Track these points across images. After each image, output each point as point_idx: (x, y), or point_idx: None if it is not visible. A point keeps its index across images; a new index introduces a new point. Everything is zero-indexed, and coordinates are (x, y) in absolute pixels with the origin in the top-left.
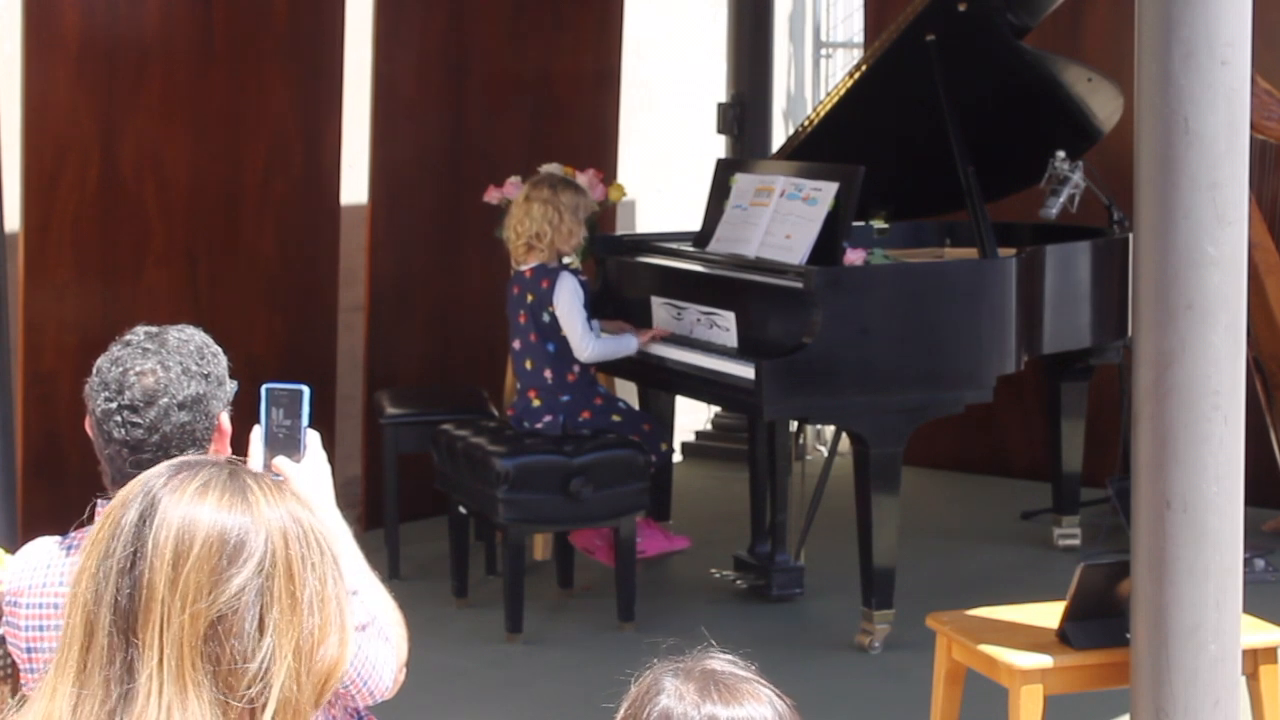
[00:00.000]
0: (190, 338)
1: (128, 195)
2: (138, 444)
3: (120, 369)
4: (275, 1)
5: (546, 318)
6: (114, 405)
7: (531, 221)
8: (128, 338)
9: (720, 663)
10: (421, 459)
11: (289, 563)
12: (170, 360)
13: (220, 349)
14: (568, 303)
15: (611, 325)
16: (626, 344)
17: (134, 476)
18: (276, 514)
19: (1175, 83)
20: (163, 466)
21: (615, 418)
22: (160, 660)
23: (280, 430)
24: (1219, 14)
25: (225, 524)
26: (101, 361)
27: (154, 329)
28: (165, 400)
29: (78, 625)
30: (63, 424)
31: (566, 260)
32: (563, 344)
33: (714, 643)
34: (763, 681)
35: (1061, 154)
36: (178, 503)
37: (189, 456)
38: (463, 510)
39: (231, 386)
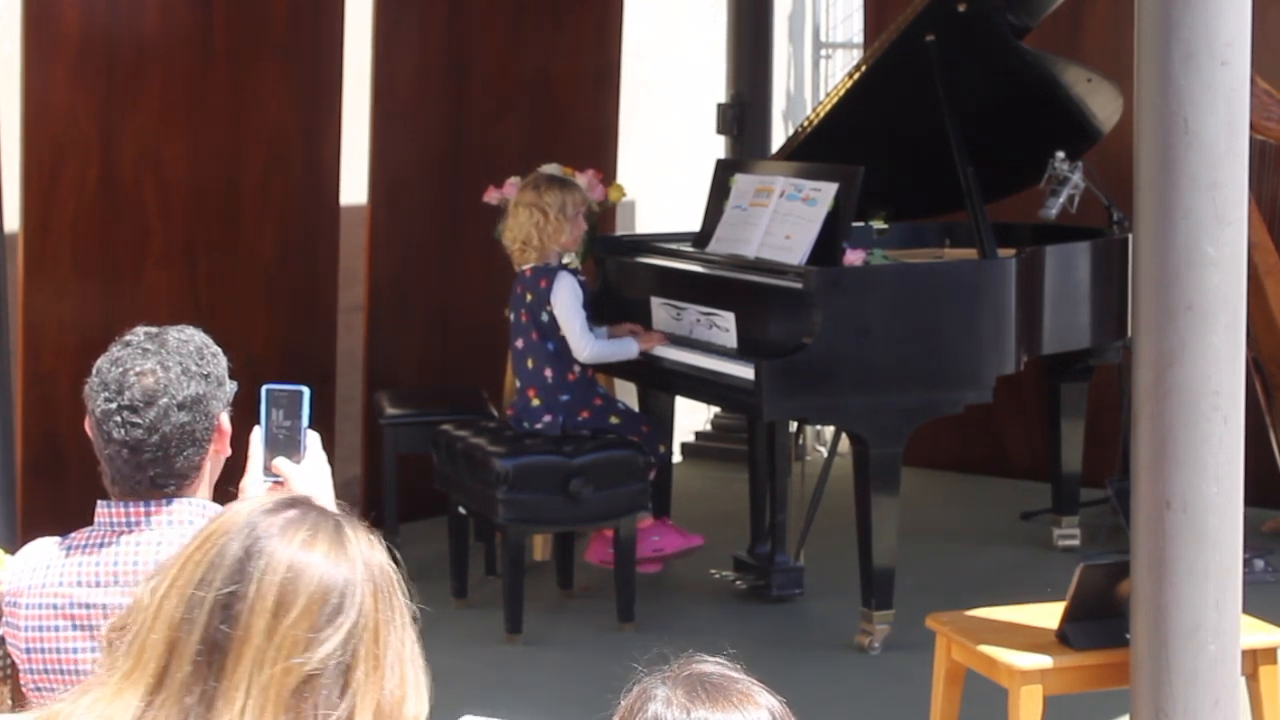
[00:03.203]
0: (190, 338)
1: (127, 195)
2: (137, 444)
3: (120, 369)
4: (275, 1)
5: (545, 317)
6: (114, 405)
7: (519, 226)
8: (127, 338)
9: (709, 665)
10: (421, 459)
11: (376, 626)
12: (170, 360)
13: (220, 349)
14: (565, 302)
15: (620, 330)
16: (627, 348)
17: (133, 477)
18: (367, 572)
19: (1175, 83)
20: (266, 502)
21: (614, 419)
22: (244, 705)
23: (280, 431)
24: (1219, 14)
25: (329, 580)
26: (101, 362)
27: (154, 329)
28: (165, 400)
29: (159, 642)
30: (63, 424)
31: (566, 260)
32: (563, 343)
33: (742, 648)
34: (753, 681)
35: (1061, 154)
36: (285, 548)
37: (288, 494)
38: (462, 510)
39: (231, 387)
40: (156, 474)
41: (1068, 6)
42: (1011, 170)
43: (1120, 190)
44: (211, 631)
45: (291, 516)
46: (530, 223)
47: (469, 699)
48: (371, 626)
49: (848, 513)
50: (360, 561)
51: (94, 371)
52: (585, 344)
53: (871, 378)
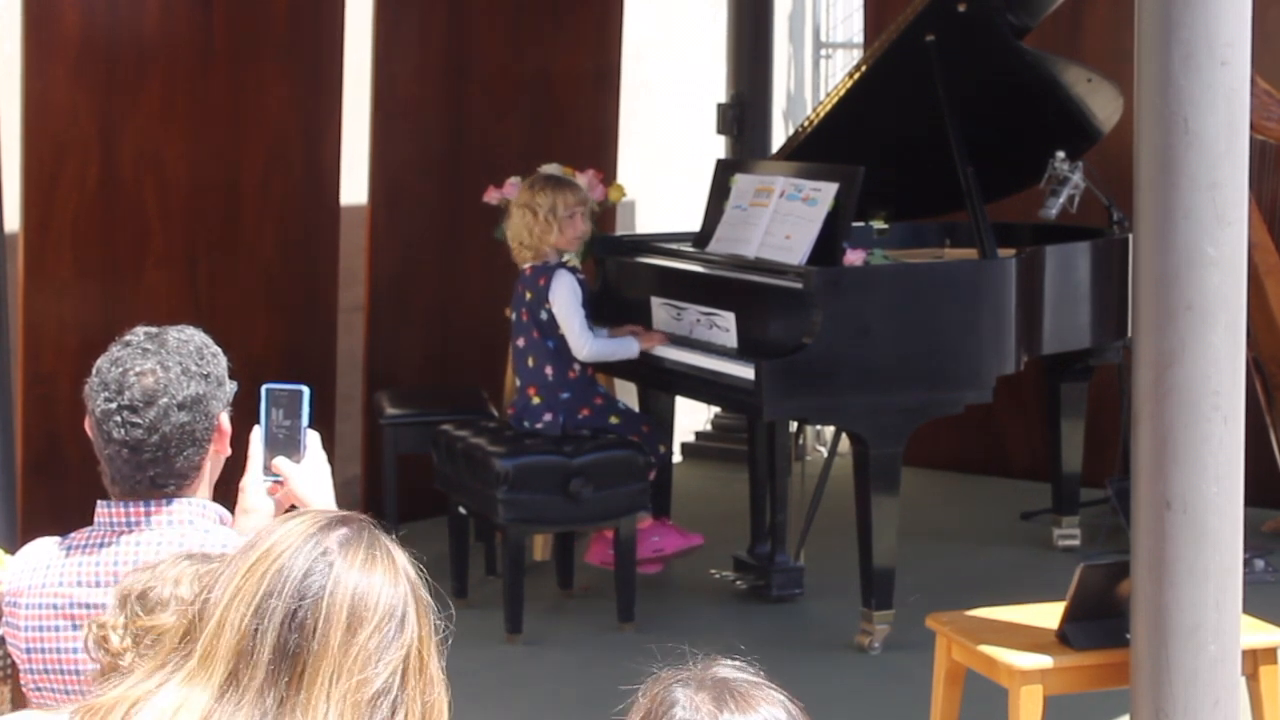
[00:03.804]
0: (190, 338)
1: (128, 195)
2: (137, 444)
3: (120, 369)
4: (275, 1)
5: (544, 315)
6: (114, 405)
7: (515, 226)
8: (127, 338)
9: (730, 670)
10: (421, 459)
11: (422, 639)
12: (170, 360)
13: (220, 349)
14: (563, 300)
15: (621, 331)
16: (628, 346)
17: (133, 477)
18: (412, 588)
19: (1175, 83)
20: (318, 518)
21: (613, 419)
22: (326, 713)
23: (280, 431)
24: (1219, 14)
25: (392, 599)
26: (101, 362)
27: (154, 329)
28: (165, 400)
29: (230, 649)
30: (63, 424)
31: (567, 259)
32: (563, 341)
33: (742, 647)
34: (773, 686)
35: (1061, 154)
36: (349, 568)
37: (333, 510)
38: (463, 510)
39: (231, 387)
40: (156, 474)
41: (1068, 6)
42: (1011, 170)
43: (1120, 190)
44: (283, 640)
45: (347, 534)
46: (522, 223)
47: (469, 699)
48: (417, 641)
49: (848, 513)
50: (407, 578)
51: (94, 371)
52: (584, 342)
53: (871, 378)
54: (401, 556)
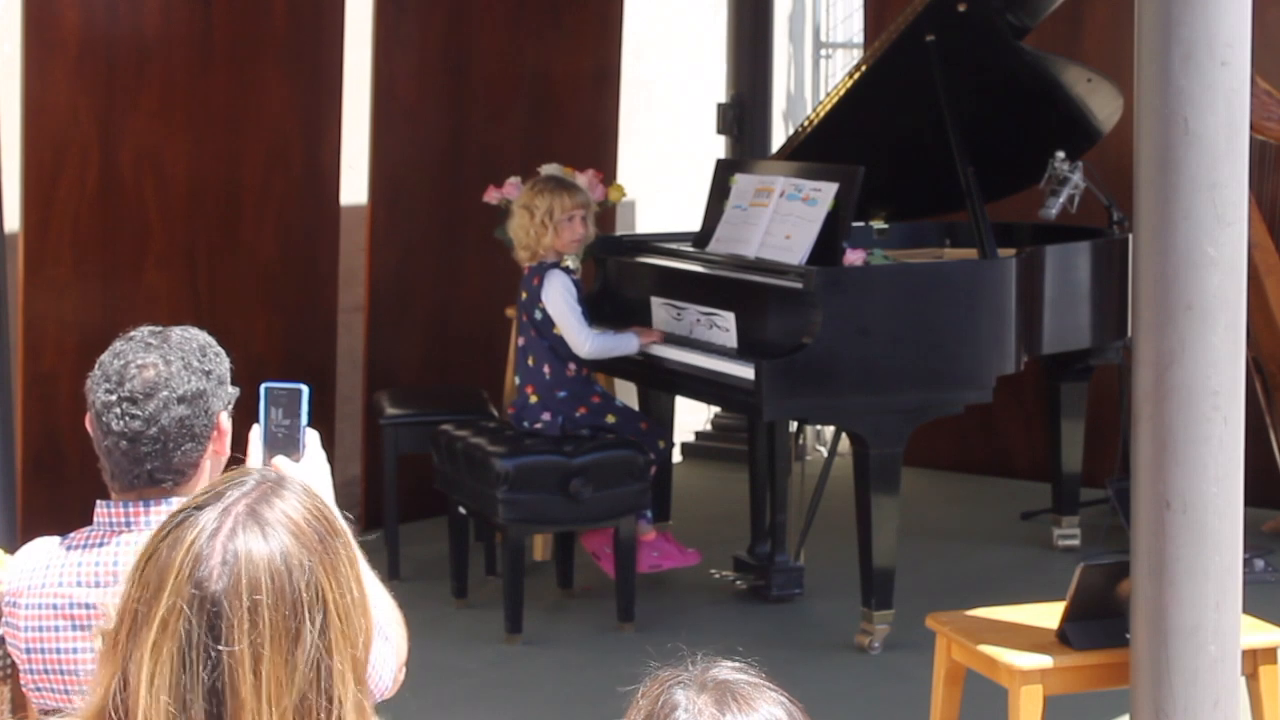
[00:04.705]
0: (193, 336)
1: (127, 195)
2: (135, 436)
3: (121, 362)
4: (275, 1)
5: (539, 315)
6: (114, 397)
7: (514, 226)
8: (131, 334)
9: (730, 671)
10: (421, 459)
11: (324, 587)
12: (172, 355)
13: (223, 351)
14: (557, 299)
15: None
16: (628, 342)
17: (131, 471)
18: (296, 540)
19: (1175, 83)
20: (182, 595)
21: (610, 417)
22: None
23: (279, 430)
24: (1219, 14)
25: (287, 598)
26: (104, 356)
27: (157, 328)
28: (165, 394)
29: None
30: (63, 424)
31: (568, 261)
32: (559, 340)
33: (740, 649)
34: (773, 686)
35: (1061, 154)
36: (242, 569)
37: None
38: (463, 510)
39: (233, 391)
40: (154, 468)
41: (1068, 6)
42: (1011, 170)
43: (1120, 190)
44: (210, 710)
45: (218, 593)
46: (520, 224)
47: (469, 699)
48: (324, 595)
49: (848, 513)
50: (296, 555)
51: (96, 366)
52: (585, 338)
53: (871, 378)
54: (275, 520)
